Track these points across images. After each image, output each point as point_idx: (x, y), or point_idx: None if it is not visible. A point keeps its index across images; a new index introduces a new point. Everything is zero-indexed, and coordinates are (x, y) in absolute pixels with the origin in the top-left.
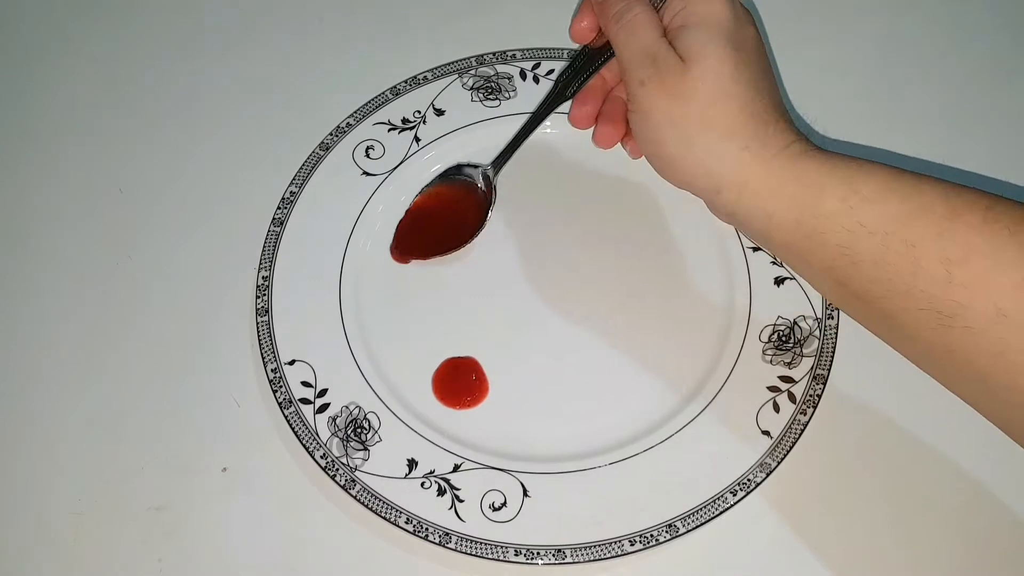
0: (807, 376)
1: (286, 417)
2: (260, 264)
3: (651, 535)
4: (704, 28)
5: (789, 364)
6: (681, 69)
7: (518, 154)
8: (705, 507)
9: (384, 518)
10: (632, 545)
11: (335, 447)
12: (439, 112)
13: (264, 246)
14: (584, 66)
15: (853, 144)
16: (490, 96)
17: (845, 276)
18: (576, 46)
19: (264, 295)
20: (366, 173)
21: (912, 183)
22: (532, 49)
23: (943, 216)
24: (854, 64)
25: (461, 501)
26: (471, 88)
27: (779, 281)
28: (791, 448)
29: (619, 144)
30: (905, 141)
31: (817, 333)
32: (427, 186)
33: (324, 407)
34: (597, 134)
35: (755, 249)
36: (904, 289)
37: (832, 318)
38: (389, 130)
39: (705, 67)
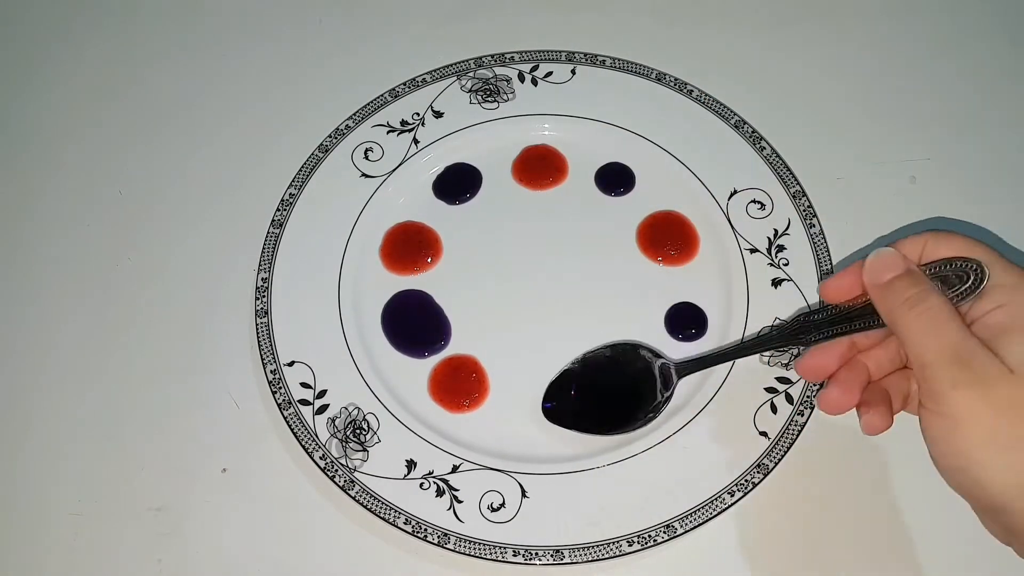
0: None
1: (285, 418)
2: (259, 266)
3: (649, 536)
4: None
5: (786, 365)
6: (1011, 379)
7: (518, 154)
8: (703, 508)
9: (383, 519)
10: (630, 546)
11: (334, 448)
12: (438, 114)
13: (263, 248)
14: (832, 321)
15: (853, 144)
16: (488, 98)
17: None
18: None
19: (263, 296)
20: (365, 175)
21: None
22: (530, 51)
23: None
24: (853, 65)
25: (460, 502)
26: (470, 90)
27: (776, 283)
28: (788, 449)
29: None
30: (905, 142)
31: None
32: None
33: (323, 408)
34: (825, 400)
35: (752, 250)
36: None
37: None
38: (388, 132)
39: None
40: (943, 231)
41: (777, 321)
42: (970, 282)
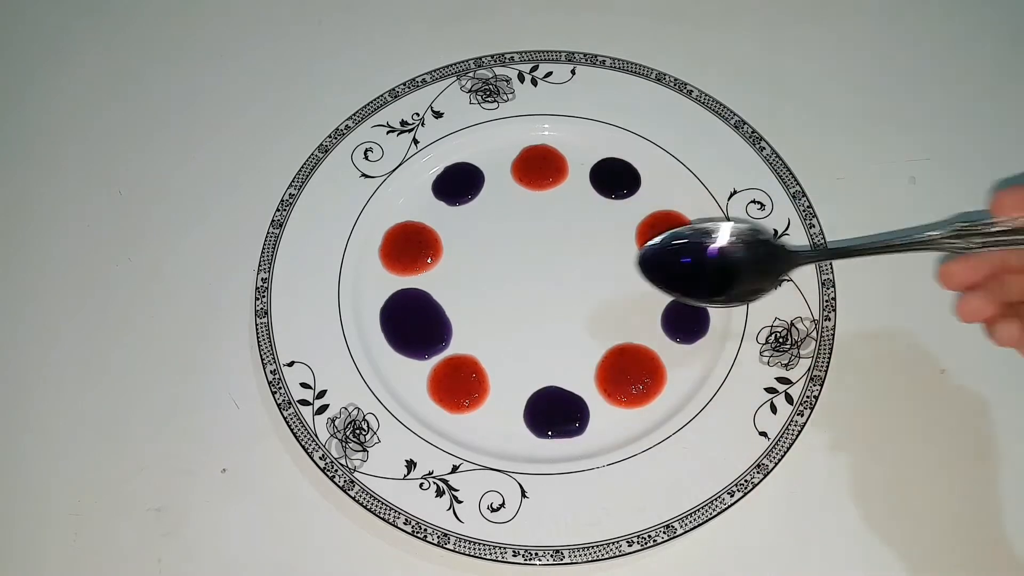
0: (804, 378)
1: (285, 418)
2: (259, 266)
3: (649, 536)
4: None
5: (786, 365)
6: None
7: (518, 155)
8: (703, 508)
9: (383, 519)
10: (630, 546)
11: (334, 448)
12: (438, 114)
13: (263, 248)
14: (994, 233)
15: (853, 144)
16: (488, 98)
17: None
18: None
19: (263, 297)
20: (365, 175)
21: None
22: (530, 51)
23: None
24: (853, 65)
25: (460, 502)
26: (469, 90)
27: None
28: (788, 449)
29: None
30: (905, 142)
31: (814, 335)
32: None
33: (323, 408)
34: (999, 331)
35: None
36: None
37: (829, 319)
38: (388, 132)
39: None
40: None
41: (777, 321)
42: None
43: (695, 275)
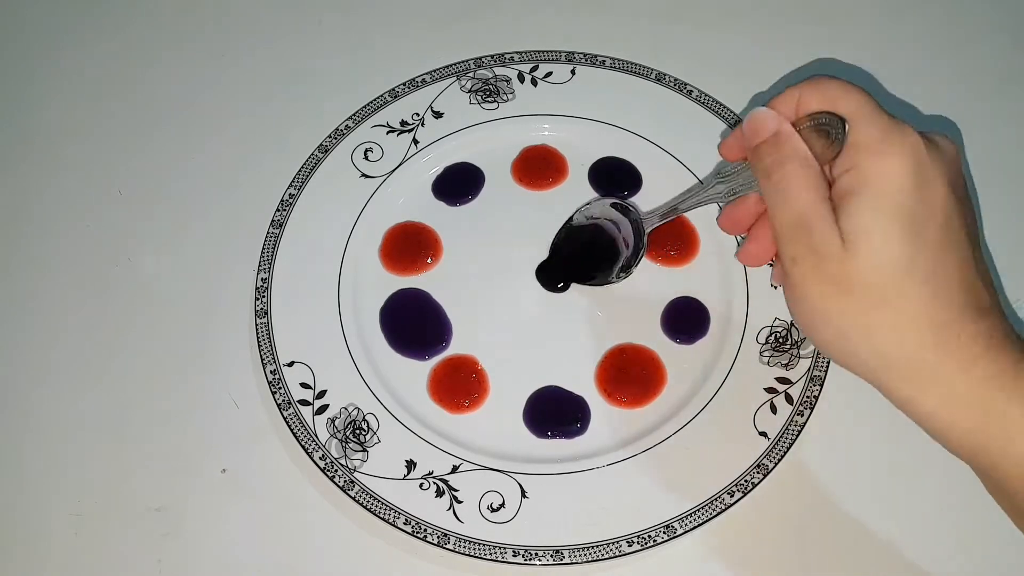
0: (804, 378)
1: (285, 418)
2: (259, 266)
3: (649, 536)
4: (871, 199)
5: (786, 365)
6: (840, 254)
7: (518, 155)
8: (703, 508)
9: (383, 519)
10: (630, 546)
11: (334, 448)
12: (437, 114)
13: (263, 248)
14: (737, 175)
15: None
16: (488, 99)
17: None
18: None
19: (263, 297)
20: (365, 175)
21: None
22: (530, 52)
23: None
24: (852, 65)
25: (460, 502)
26: (469, 91)
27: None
28: (788, 449)
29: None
30: None
31: None
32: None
33: (323, 408)
34: (742, 252)
35: None
36: None
37: None
38: (388, 132)
39: (869, 256)
40: (819, 78)
41: (777, 321)
42: (834, 138)
43: (579, 258)
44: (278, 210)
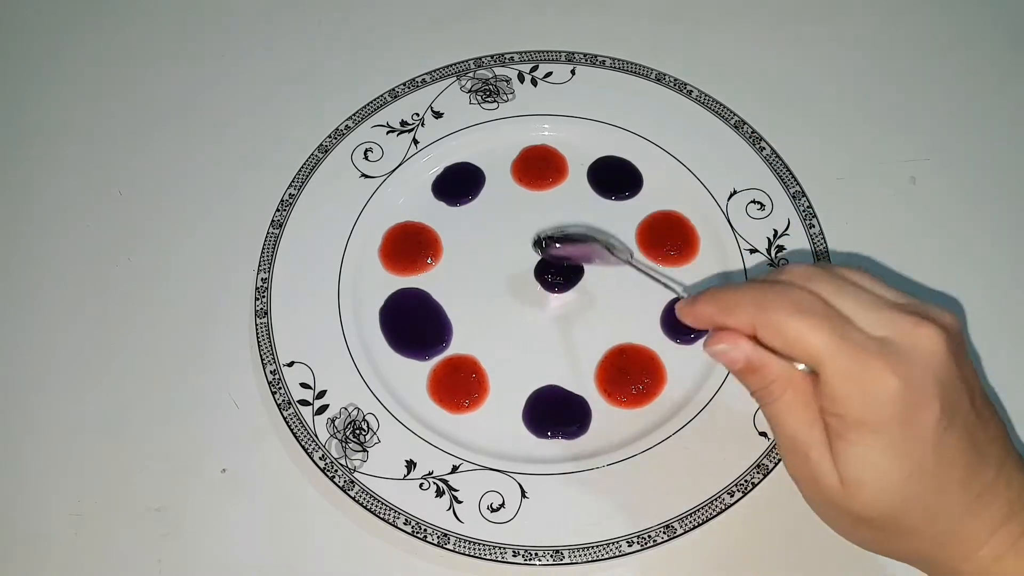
0: None
1: (285, 418)
2: (259, 266)
3: (649, 536)
4: (859, 447)
5: None
6: (839, 490)
7: (518, 155)
8: (702, 508)
9: (383, 519)
10: (630, 546)
11: (334, 448)
12: (437, 115)
13: (263, 248)
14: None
15: (853, 144)
16: (488, 99)
17: None
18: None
19: (263, 297)
20: (364, 175)
21: None
22: (530, 52)
23: None
24: (853, 65)
25: (459, 502)
26: (469, 91)
27: None
28: None
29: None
30: (905, 142)
31: None
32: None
33: (323, 408)
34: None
35: (752, 251)
36: None
37: None
38: (387, 132)
39: (866, 504)
40: (773, 305)
41: None
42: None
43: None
44: (278, 210)
